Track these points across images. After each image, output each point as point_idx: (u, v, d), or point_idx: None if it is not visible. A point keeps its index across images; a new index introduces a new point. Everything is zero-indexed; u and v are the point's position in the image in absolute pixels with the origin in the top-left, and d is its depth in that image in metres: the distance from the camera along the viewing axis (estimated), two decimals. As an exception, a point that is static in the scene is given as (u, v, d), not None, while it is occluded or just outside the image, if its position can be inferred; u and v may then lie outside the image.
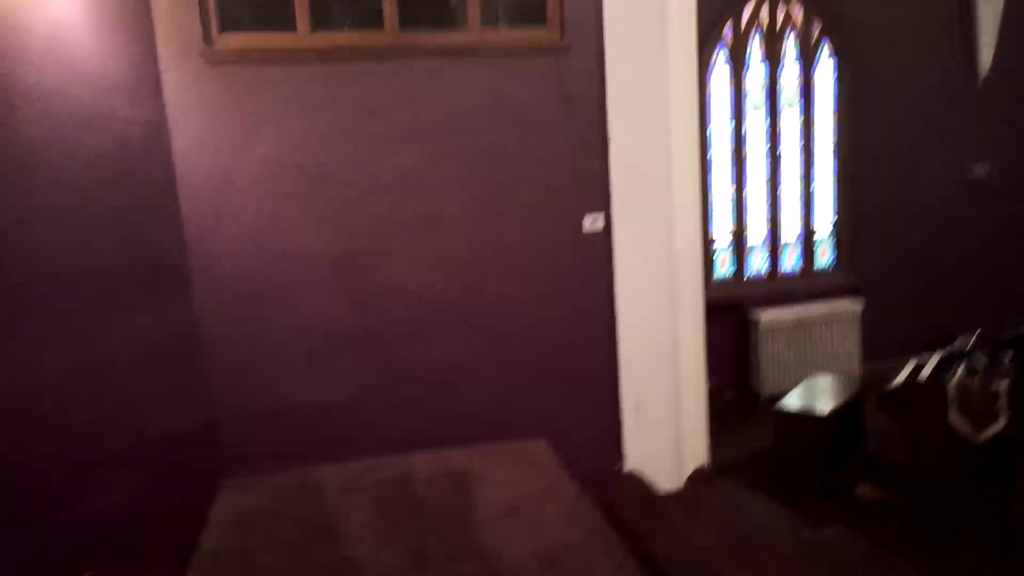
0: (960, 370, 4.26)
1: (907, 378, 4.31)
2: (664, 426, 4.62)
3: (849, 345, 6.48)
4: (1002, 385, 4.09)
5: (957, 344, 4.60)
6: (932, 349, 4.70)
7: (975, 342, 4.60)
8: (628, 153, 4.54)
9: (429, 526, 3.36)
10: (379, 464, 4.03)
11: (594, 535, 3.19)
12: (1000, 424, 4.01)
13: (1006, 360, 4.32)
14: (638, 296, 4.59)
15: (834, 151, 6.79)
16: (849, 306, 6.49)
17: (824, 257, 6.92)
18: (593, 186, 4.55)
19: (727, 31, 6.38)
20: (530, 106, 4.46)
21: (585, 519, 3.33)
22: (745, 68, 6.49)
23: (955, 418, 4.06)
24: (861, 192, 6.75)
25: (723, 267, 6.66)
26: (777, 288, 6.63)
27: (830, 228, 6.90)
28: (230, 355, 4.27)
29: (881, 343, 6.45)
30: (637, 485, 4.40)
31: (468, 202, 4.45)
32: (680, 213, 4.67)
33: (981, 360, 4.36)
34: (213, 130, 4.10)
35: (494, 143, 4.44)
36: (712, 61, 6.34)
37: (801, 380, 5.39)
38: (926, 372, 4.29)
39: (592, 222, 4.55)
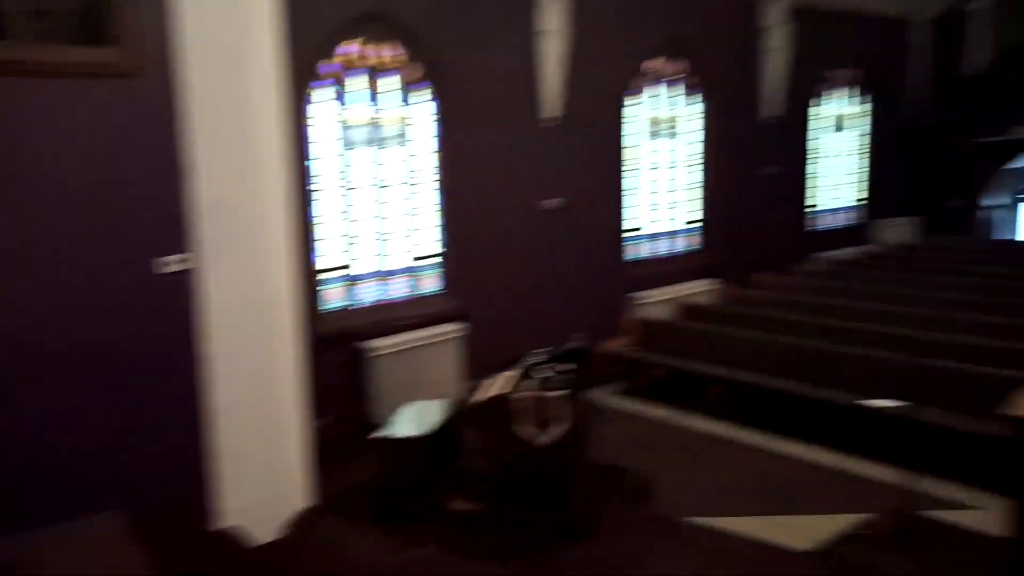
0: (528, 382, 4.87)
1: (485, 394, 4.79)
2: (263, 472, 4.45)
3: (456, 367, 6.99)
4: (561, 394, 4.76)
5: (529, 359, 5.23)
6: (511, 366, 5.29)
7: (543, 355, 5.30)
8: (214, 188, 4.32)
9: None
10: None
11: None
12: (560, 429, 4.65)
13: (565, 371, 5.05)
14: (229, 337, 4.37)
15: (439, 186, 7.30)
16: (455, 330, 7.01)
17: (430, 285, 7.38)
18: (173, 223, 4.23)
19: (331, 67, 6.49)
20: (96, 136, 3.99)
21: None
22: (352, 103, 6.67)
23: (523, 426, 4.61)
24: (463, 223, 7.35)
25: (334, 299, 6.73)
26: (388, 316, 6.88)
27: (436, 257, 7.39)
28: None
29: (484, 362, 7.08)
30: (230, 541, 4.17)
31: (23, 246, 3.81)
32: (274, 248, 4.58)
33: (546, 372, 5.03)
34: None
35: (58, 177, 3.89)
36: (314, 96, 6.39)
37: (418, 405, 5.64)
38: (500, 387, 4.80)
39: (172, 261, 4.22)
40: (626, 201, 8.78)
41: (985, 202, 11.93)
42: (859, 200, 11.69)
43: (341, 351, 6.48)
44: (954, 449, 5.16)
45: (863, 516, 4.64)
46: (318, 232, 6.54)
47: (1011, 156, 11.52)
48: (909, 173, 11.93)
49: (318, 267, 6.56)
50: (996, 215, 12.04)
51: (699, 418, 6.56)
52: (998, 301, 7.32)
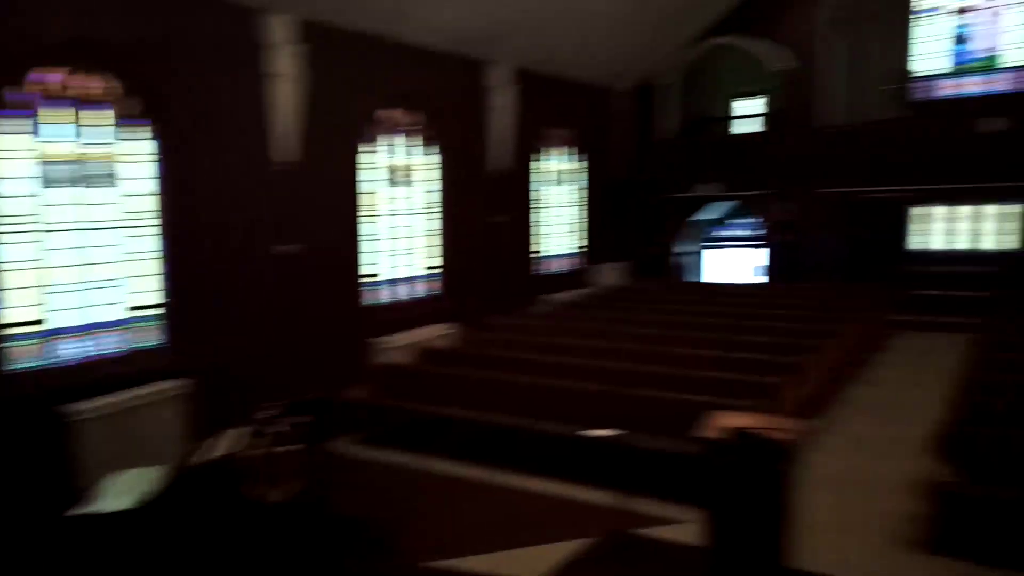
0: (258, 439, 4.61)
1: (210, 455, 4.44)
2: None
3: (179, 428, 6.39)
4: (294, 448, 4.57)
5: (262, 413, 4.96)
6: (242, 422, 4.97)
7: (277, 409, 5.04)
8: None
9: None
10: None
11: None
12: (293, 486, 4.46)
13: (300, 423, 4.86)
14: None
15: (160, 230, 6.69)
16: (178, 387, 6.42)
17: (148, 338, 6.69)
18: None
19: (24, 95, 5.70)
20: None
21: None
22: (52, 136, 5.89)
23: (252, 486, 4.35)
24: (188, 270, 6.80)
25: (26, 357, 5.81)
26: (96, 375, 6.11)
27: (156, 308, 6.73)
28: None
29: (212, 421, 6.56)
30: None
31: None
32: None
33: (278, 426, 4.80)
34: None
35: None
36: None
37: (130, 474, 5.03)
38: (227, 447, 4.49)
39: None
40: (365, 247, 8.79)
41: (678, 248, 13.85)
42: (579, 247, 12.91)
43: (36, 417, 5.60)
44: (661, 470, 5.80)
45: (585, 540, 5.03)
46: (3, 280, 5.64)
47: (695, 209, 13.55)
48: (618, 223, 13.47)
49: (2, 321, 5.65)
50: (687, 260, 14.05)
51: (440, 461, 6.67)
52: (690, 335, 8.47)
